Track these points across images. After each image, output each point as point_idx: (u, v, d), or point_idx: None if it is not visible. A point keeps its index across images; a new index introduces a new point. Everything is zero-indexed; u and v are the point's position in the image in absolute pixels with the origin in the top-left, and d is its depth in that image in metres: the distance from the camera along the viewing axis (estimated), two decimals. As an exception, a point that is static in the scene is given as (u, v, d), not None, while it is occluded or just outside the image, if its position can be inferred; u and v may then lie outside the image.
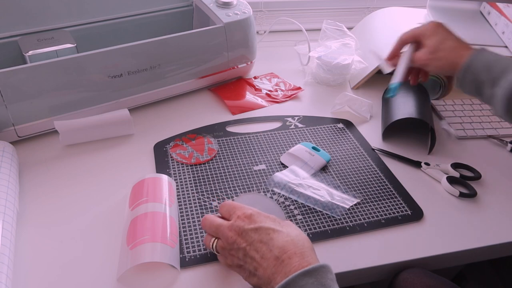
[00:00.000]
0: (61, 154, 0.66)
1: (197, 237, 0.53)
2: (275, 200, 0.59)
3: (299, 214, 0.57)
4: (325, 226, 0.55)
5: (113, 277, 0.49)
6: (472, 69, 0.59)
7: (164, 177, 0.57)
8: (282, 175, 0.62)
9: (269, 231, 0.43)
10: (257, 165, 0.65)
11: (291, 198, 0.59)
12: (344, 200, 0.59)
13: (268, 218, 0.45)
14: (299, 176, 0.62)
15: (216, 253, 0.47)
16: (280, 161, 0.66)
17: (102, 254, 0.51)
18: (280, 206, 0.57)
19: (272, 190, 0.60)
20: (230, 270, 0.49)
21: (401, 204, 0.60)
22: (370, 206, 0.59)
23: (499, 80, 0.56)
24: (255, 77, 0.89)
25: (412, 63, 0.67)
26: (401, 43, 0.69)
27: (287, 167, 0.65)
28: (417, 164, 0.67)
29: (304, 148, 0.67)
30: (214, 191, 0.60)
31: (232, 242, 0.44)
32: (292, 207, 0.58)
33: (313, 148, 0.67)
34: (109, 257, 0.51)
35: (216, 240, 0.46)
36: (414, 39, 0.67)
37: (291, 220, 0.56)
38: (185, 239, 0.53)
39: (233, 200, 0.58)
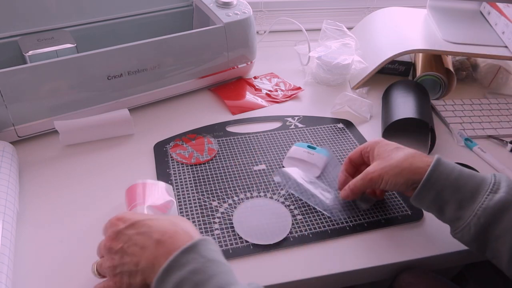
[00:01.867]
0: (61, 154, 0.66)
1: (197, 237, 0.53)
2: (276, 200, 0.59)
3: (299, 214, 0.57)
4: (325, 226, 0.55)
5: (113, 277, 0.48)
6: (435, 184, 0.48)
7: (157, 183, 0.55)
8: (291, 171, 0.62)
9: (146, 221, 0.41)
10: (257, 165, 0.65)
11: (291, 198, 0.59)
12: (348, 207, 0.58)
13: (143, 214, 0.45)
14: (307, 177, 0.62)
15: (100, 277, 0.44)
16: (283, 166, 0.65)
17: (102, 254, 0.51)
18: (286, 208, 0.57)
19: (274, 188, 0.60)
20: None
21: (401, 204, 0.60)
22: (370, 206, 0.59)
23: (469, 204, 0.47)
24: (255, 77, 0.88)
25: (363, 183, 0.54)
26: (348, 163, 0.59)
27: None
28: (417, 164, 0.67)
29: (300, 149, 0.67)
30: (214, 191, 0.60)
31: (108, 249, 0.41)
32: (292, 207, 0.58)
33: (309, 146, 0.67)
34: (109, 257, 0.51)
35: (94, 263, 0.44)
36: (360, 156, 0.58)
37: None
38: (185, 239, 0.52)
39: (239, 204, 0.58)
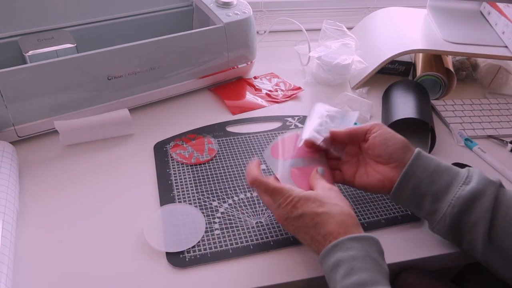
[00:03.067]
0: (61, 154, 0.66)
1: (197, 237, 0.53)
2: None
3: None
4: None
5: (113, 276, 0.49)
6: (413, 177, 0.50)
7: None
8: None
9: (313, 216, 0.46)
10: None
11: None
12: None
13: (309, 201, 0.47)
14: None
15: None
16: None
17: (102, 254, 0.51)
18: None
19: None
20: (231, 268, 0.49)
21: (401, 204, 0.60)
22: (370, 206, 0.59)
23: (444, 195, 0.49)
24: (255, 77, 0.88)
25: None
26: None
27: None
28: (417, 164, 0.67)
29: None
30: (214, 191, 0.60)
31: (282, 223, 0.49)
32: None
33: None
34: (109, 257, 0.51)
35: None
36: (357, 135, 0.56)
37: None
38: (185, 239, 0.53)
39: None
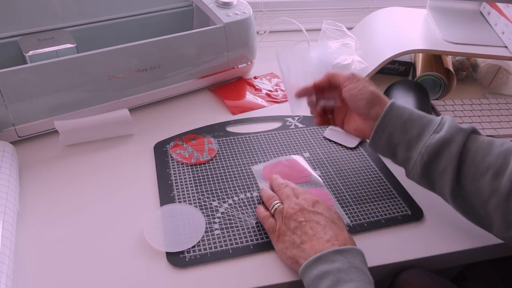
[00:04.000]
0: (61, 154, 0.66)
1: (197, 237, 0.53)
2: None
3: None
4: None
5: (112, 276, 0.49)
6: (387, 127, 0.53)
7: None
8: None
9: (328, 220, 0.49)
10: (257, 165, 0.65)
11: None
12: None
13: (329, 210, 0.50)
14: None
15: (271, 215, 0.53)
16: (324, 136, 0.72)
17: (102, 254, 0.51)
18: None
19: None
20: (231, 268, 0.49)
21: (401, 204, 0.60)
22: (370, 206, 0.59)
23: (415, 144, 0.51)
24: (255, 77, 0.89)
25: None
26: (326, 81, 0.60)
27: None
28: (417, 164, 0.67)
29: None
30: (214, 191, 0.60)
31: (293, 213, 0.50)
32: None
33: None
34: (109, 257, 0.51)
35: (279, 204, 0.53)
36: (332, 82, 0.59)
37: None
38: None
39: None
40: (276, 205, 0.53)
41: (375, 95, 0.55)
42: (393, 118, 0.52)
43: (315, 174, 0.63)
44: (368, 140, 0.56)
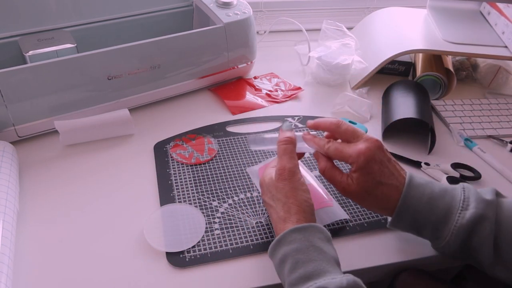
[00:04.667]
0: (61, 154, 0.66)
1: (197, 237, 0.53)
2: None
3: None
4: (325, 226, 0.55)
5: (113, 276, 0.49)
6: (409, 208, 0.48)
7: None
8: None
9: (268, 206, 0.49)
10: (257, 165, 0.65)
11: None
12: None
13: (268, 192, 0.49)
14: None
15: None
16: None
17: (102, 254, 0.51)
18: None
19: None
20: (231, 268, 0.49)
21: (401, 204, 0.60)
22: (370, 206, 0.59)
23: (444, 225, 0.48)
24: (255, 77, 0.88)
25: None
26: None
27: None
28: (417, 164, 0.67)
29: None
30: (214, 191, 0.60)
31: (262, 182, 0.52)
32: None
33: (350, 121, 0.71)
34: (109, 257, 0.51)
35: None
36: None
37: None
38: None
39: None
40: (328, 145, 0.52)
41: (382, 202, 0.49)
42: (414, 199, 0.48)
43: (309, 174, 0.61)
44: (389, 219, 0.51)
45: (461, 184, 0.50)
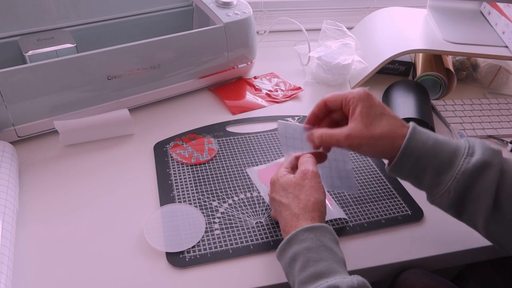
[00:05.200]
0: (61, 154, 0.66)
1: (197, 237, 0.53)
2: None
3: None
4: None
5: (113, 276, 0.49)
6: (413, 152, 0.47)
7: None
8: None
9: (278, 204, 0.50)
10: (257, 165, 0.65)
11: None
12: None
13: (281, 190, 0.50)
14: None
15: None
16: None
17: (102, 254, 0.51)
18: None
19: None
20: (231, 268, 0.49)
21: (401, 204, 0.60)
22: (370, 206, 0.59)
23: (448, 168, 0.47)
24: (255, 77, 0.88)
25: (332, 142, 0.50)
26: (323, 105, 0.53)
27: None
28: (417, 164, 0.67)
29: None
30: (214, 191, 0.60)
31: (270, 189, 0.53)
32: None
33: None
34: (109, 257, 0.51)
35: None
36: (338, 105, 0.52)
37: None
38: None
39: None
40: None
41: (384, 147, 0.48)
42: (419, 143, 0.48)
43: None
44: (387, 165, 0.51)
45: (465, 138, 0.49)
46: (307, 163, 0.51)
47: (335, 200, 0.59)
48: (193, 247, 0.52)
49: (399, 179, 0.64)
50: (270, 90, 0.85)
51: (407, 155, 0.48)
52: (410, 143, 0.47)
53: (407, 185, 0.63)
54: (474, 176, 0.45)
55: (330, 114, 0.54)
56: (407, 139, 0.47)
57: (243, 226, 0.55)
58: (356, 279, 0.40)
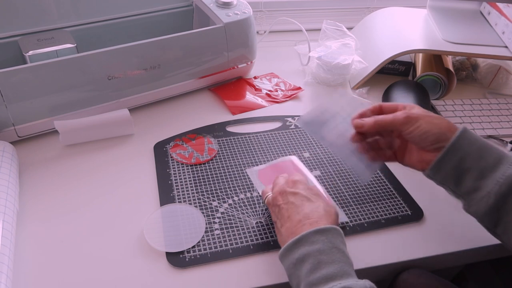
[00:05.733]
0: (61, 154, 0.66)
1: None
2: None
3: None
4: (325, 226, 0.55)
5: (113, 276, 0.49)
6: (460, 149, 0.47)
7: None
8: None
9: (304, 198, 0.48)
10: (257, 165, 0.65)
11: None
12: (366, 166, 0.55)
13: (309, 190, 0.50)
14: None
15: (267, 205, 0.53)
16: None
17: (102, 254, 0.51)
18: None
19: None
20: (231, 268, 0.49)
21: (401, 204, 0.60)
22: (370, 206, 0.59)
23: (491, 172, 0.46)
24: (255, 77, 0.88)
25: (385, 124, 0.51)
26: (378, 108, 0.55)
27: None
28: (417, 164, 0.67)
29: None
30: (214, 191, 0.60)
31: (274, 198, 0.51)
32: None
33: None
34: (109, 257, 0.51)
35: (269, 194, 0.53)
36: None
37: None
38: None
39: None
40: (266, 198, 0.53)
41: (443, 128, 0.49)
42: (466, 141, 0.47)
43: (310, 176, 0.61)
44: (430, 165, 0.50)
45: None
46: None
47: (337, 203, 0.59)
48: (193, 247, 0.52)
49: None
50: (270, 90, 0.85)
51: (454, 150, 0.47)
52: (459, 140, 0.47)
53: (407, 185, 0.63)
54: None
55: (366, 138, 0.55)
56: (455, 137, 0.47)
57: (243, 226, 0.55)
58: (368, 283, 0.40)
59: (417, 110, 0.51)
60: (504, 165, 0.46)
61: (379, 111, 0.54)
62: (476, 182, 0.47)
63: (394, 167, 0.66)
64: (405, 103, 0.54)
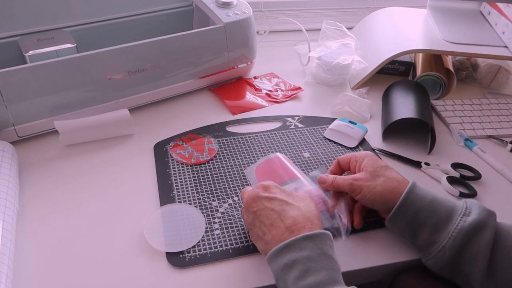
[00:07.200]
0: (61, 154, 0.66)
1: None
2: None
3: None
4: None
5: (113, 276, 0.49)
6: (411, 205, 0.49)
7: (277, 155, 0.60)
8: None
9: (282, 203, 0.47)
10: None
11: None
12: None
13: (283, 192, 0.49)
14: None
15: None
16: (324, 136, 0.72)
17: (102, 254, 0.51)
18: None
19: None
20: (231, 268, 0.49)
21: (401, 204, 0.60)
22: (370, 206, 0.59)
23: (444, 226, 0.47)
24: (255, 77, 0.88)
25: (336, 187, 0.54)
26: (336, 164, 0.59)
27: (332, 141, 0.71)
28: (417, 164, 0.67)
29: (342, 123, 0.73)
30: (214, 191, 0.60)
31: (248, 204, 0.49)
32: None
33: (350, 122, 0.73)
34: (109, 257, 0.51)
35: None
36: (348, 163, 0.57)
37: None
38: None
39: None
40: (242, 210, 0.52)
41: (385, 196, 0.51)
42: (418, 197, 0.49)
43: (297, 173, 0.58)
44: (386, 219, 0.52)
45: (463, 200, 0.50)
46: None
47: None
48: (193, 247, 0.52)
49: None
50: (270, 90, 0.85)
51: (406, 206, 0.49)
52: (409, 196, 0.49)
53: (407, 185, 0.63)
54: (470, 235, 0.46)
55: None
56: (406, 192, 0.50)
57: (243, 226, 0.55)
58: None
59: (363, 174, 0.53)
60: (455, 218, 0.47)
61: (338, 168, 0.59)
62: (431, 236, 0.48)
63: (394, 167, 0.66)
64: (361, 152, 0.57)
